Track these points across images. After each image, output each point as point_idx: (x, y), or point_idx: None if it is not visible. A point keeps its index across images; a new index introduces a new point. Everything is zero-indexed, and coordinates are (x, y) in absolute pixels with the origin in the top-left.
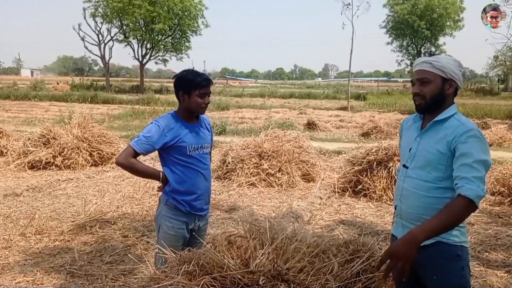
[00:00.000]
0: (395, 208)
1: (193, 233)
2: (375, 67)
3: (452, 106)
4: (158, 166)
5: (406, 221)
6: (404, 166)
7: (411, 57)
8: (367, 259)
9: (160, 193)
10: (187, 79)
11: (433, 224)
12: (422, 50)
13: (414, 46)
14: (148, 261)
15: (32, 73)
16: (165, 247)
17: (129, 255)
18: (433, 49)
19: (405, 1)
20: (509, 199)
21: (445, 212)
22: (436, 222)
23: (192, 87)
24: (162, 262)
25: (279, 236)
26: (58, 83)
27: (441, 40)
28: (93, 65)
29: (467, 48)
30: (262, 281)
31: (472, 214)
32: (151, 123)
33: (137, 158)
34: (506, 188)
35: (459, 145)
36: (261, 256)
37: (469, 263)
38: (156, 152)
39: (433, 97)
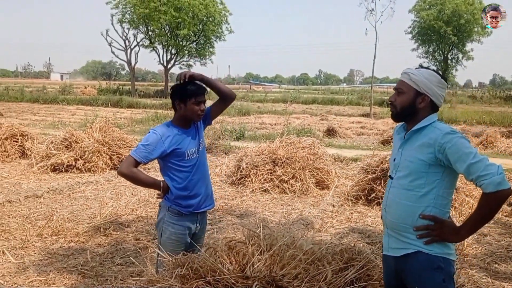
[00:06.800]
0: (381, 218)
1: (200, 233)
2: (401, 73)
3: (431, 116)
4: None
5: (391, 230)
6: (390, 177)
7: (437, 63)
8: (361, 267)
9: (160, 200)
10: (182, 89)
11: (472, 221)
12: (449, 56)
13: (440, 52)
14: (155, 264)
15: (62, 77)
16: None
17: (139, 257)
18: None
19: (431, 7)
20: None
21: (479, 211)
22: (475, 218)
23: (188, 96)
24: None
25: (277, 242)
26: (85, 87)
27: (468, 46)
28: (120, 70)
29: (496, 54)
30: (256, 286)
31: (486, 225)
32: (149, 132)
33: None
34: None
35: (447, 149)
36: (258, 261)
37: (474, 275)
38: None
39: (403, 108)
